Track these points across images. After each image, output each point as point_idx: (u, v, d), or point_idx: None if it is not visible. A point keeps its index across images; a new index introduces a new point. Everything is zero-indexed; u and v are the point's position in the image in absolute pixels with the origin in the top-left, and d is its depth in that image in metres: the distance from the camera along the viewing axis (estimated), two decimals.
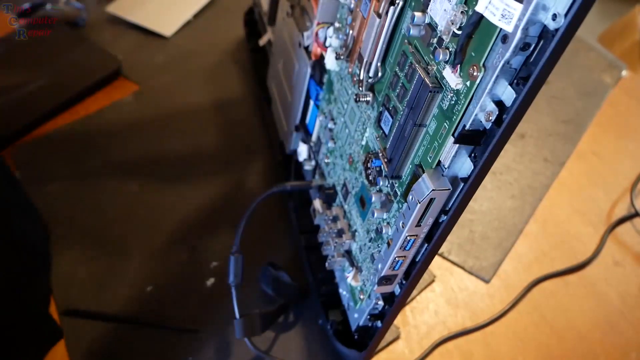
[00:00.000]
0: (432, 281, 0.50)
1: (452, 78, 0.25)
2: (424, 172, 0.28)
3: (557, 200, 0.58)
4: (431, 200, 0.27)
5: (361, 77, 0.34)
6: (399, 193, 0.32)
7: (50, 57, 0.70)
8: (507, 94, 0.23)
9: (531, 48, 0.22)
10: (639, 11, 1.12)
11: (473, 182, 0.25)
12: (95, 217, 0.54)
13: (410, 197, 0.28)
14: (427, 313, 0.48)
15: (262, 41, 0.65)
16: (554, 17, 0.20)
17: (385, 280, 0.33)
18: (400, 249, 0.30)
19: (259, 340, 0.44)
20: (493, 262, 0.51)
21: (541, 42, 0.21)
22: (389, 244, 0.32)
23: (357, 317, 0.40)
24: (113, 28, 0.77)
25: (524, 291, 0.49)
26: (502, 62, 0.22)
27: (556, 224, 0.56)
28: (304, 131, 0.49)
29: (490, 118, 0.24)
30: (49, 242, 0.45)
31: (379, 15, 0.31)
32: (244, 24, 0.74)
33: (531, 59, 0.22)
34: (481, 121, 0.25)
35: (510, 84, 0.23)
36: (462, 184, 0.26)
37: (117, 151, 0.61)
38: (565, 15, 0.20)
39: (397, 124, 0.31)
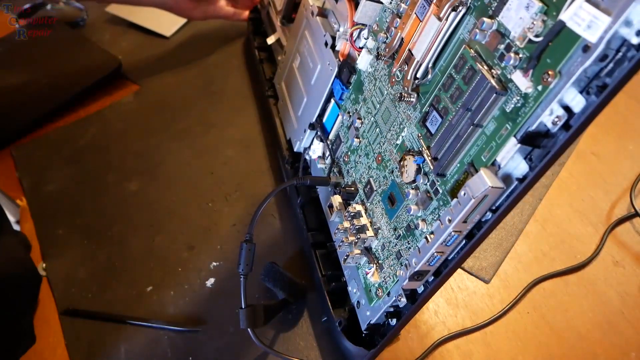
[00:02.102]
0: None
1: (522, 82, 0.26)
2: (476, 171, 0.29)
3: (557, 200, 0.58)
4: (484, 197, 0.28)
5: (409, 78, 0.35)
6: (440, 190, 0.33)
7: (50, 57, 0.70)
8: (577, 101, 0.24)
9: (608, 59, 0.23)
10: None
11: (530, 182, 0.26)
12: (95, 217, 0.54)
13: (463, 193, 0.29)
14: (427, 313, 0.48)
15: (271, 40, 0.65)
16: (638, 33, 0.21)
17: (418, 275, 0.34)
18: (442, 244, 0.31)
19: (262, 336, 0.44)
20: (493, 262, 0.51)
21: (618, 55, 0.22)
22: (427, 240, 0.32)
23: (370, 315, 0.40)
24: (113, 28, 0.77)
25: (523, 291, 0.49)
26: (580, 71, 0.23)
27: (556, 224, 0.56)
28: (321, 129, 0.49)
29: (558, 123, 0.25)
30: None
31: (440, 19, 0.32)
32: (247, 22, 0.74)
33: (605, 70, 0.23)
34: (546, 125, 0.26)
35: (581, 92, 0.24)
36: (516, 184, 0.27)
37: (117, 151, 0.61)
38: None
39: (446, 124, 0.32)
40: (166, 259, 0.50)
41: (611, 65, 0.23)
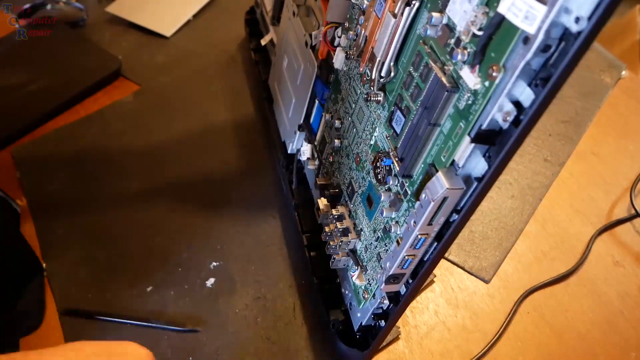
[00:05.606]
0: (432, 281, 0.50)
1: (470, 78, 0.26)
2: (437, 171, 0.28)
3: (557, 200, 0.58)
4: (444, 199, 0.27)
5: (373, 77, 0.35)
6: (409, 192, 0.32)
7: (50, 57, 0.70)
8: (526, 95, 0.23)
9: (552, 50, 0.22)
10: (638, 11, 1.12)
11: (488, 182, 0.26)
12: (95, 217, 0.54)
13: (424, 196, 0.28)
14: (427, 313, 0.48)
15: (264, 41, 0.65)
16: (577, 20, 0.20)
17: (393, 279, 0.33)
18: (410, 247, 0.31)
19: (259, 338, 0.44)
20: (493, 262, 0.51)
21: (562, 44, 0.22)
22: (398, 243, 0.32)
23: (360, 317, 0.40)
24: (113, 28, 0.77)
25: (524, 292, 0.49)
26: (522, 63, 0.23)
27: (556, 224, 0.56)
28: (308, 130, 0.49)
29: (508, 118, 0.24)
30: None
31: (395, 16, 0.31)
32: (245, 23, 0.74)
33: (551, 61, 0.22)
34: (498, 121, 0.25)
35: (529, 85, 0.23)
36: (476, 184, 0.26)
37: (117, 151, 0.61)
38: (589, 18, 0.20)
39: (409, 124, 0.31)
40: (166, 259, 0.50)
41: (556, 55, 0.22)
